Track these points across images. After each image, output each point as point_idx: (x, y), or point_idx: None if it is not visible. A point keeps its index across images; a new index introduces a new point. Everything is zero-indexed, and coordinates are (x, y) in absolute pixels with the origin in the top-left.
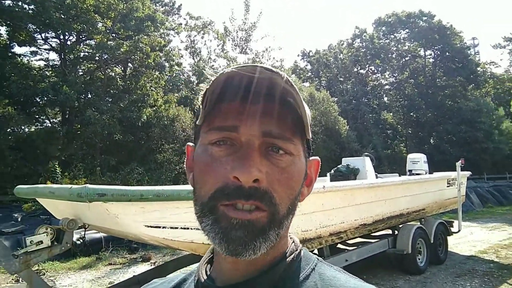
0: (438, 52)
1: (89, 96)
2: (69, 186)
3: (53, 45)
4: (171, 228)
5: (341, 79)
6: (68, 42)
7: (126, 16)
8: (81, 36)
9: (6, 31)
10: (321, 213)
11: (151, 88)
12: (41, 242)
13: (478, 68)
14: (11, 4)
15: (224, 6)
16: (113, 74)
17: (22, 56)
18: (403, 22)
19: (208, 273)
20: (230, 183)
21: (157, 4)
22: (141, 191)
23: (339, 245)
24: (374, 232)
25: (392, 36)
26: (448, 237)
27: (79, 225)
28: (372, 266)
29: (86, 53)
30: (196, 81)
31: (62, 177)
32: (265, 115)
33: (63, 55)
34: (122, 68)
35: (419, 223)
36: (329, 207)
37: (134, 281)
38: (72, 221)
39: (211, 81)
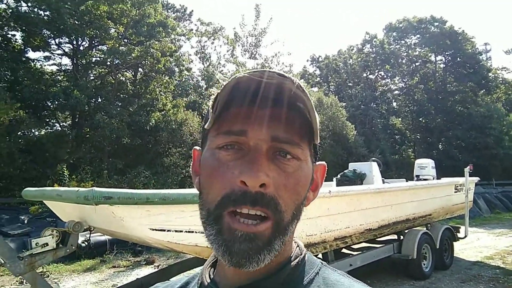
0: (449, 58)
1: (99, 100)
2: (76, 188)
3: (66, 50)
4: (176, 231)
5: (350, 84)
6: (81, 48)
7: (138, 22)
8: (93, 42)
9: (21, 36)
10: (326, 218)
11: (160, 92)
12: (47, 244)
13: (490, 74)
14: (27, 11)
15: (234, 12)
16: (123, 78)
17: (35, 61)
18: (414, 28)
19: (212, 276)
20: (236, 189)
21: (169, 10)
22: (147, 194)
23: (344, 250)
24: (380, 237)
25: (403, 42)
26: (455, 243)
27: (85, 228)
28: (376, 270)
29: (98, 58)
30: (205, 86)
31: (70, 180)
32: (274, 120)
33: (76, 60)
34: (133, 73)
35: (425, 229)
36: (334, 212)
37: (137, 283)
38: (78, 223)
39: (222, 86)
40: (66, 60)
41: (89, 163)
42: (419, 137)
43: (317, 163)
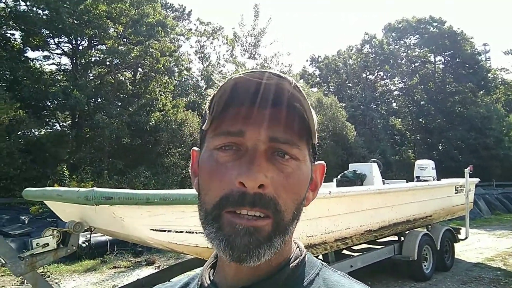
0: (449, 58)
1: (99, 100)
2: (77, 189)
3: (65, 49)
4: (176, 232)
5: (350, 84)
6: (80, 47)
7: (137, 22)
8: (92, 41)
9: (20, 36)
10: (326, 219)
11: (160, 92)
12: (47, 244)
13: (489, 74)
14: (26, 10)
15: (234, 11)
16: (123, 78)
17: (34, 60)
18: (413, 28)
19: (212, 277)
20: (235, 190)
21: (168, 10)
22: (147, 194)
23: (345, 251)
24: (380, 238)
25: (402, 42)
26: (455, 244)
27: (85, 228)
28: (377, 272)
29: (97, 58)
30: (204, 86)
31: (70, 180)
32: (272, 120)
33: (75, 59)
34: (132, 73)
35: (425, 230)
36: (334, 213)
37: (138, 284)
38: (79, 224)
39: (218, 87)
40: (65, 60)
41: (89, 163)
42: (419, 137)
43: (316, 163)
